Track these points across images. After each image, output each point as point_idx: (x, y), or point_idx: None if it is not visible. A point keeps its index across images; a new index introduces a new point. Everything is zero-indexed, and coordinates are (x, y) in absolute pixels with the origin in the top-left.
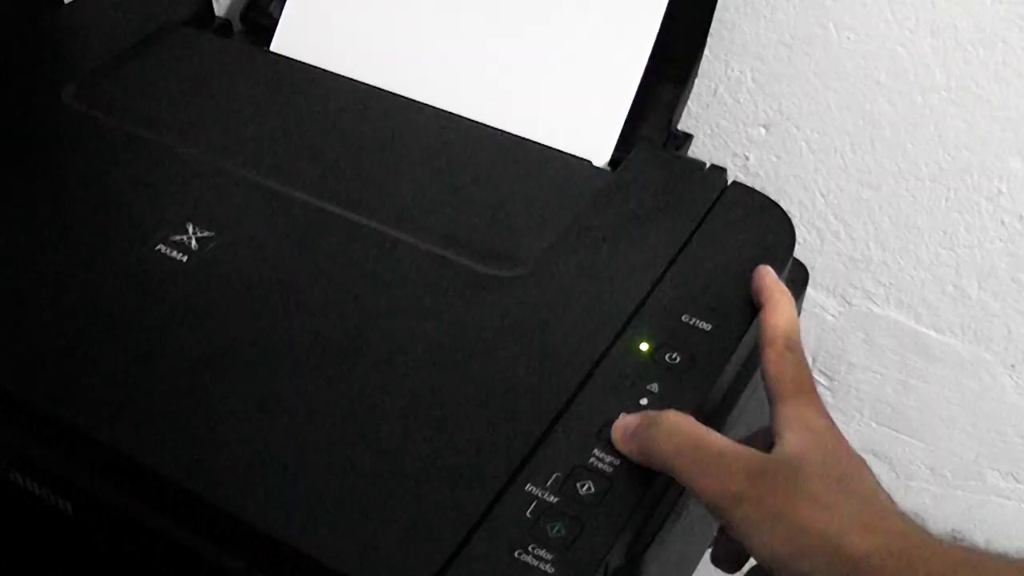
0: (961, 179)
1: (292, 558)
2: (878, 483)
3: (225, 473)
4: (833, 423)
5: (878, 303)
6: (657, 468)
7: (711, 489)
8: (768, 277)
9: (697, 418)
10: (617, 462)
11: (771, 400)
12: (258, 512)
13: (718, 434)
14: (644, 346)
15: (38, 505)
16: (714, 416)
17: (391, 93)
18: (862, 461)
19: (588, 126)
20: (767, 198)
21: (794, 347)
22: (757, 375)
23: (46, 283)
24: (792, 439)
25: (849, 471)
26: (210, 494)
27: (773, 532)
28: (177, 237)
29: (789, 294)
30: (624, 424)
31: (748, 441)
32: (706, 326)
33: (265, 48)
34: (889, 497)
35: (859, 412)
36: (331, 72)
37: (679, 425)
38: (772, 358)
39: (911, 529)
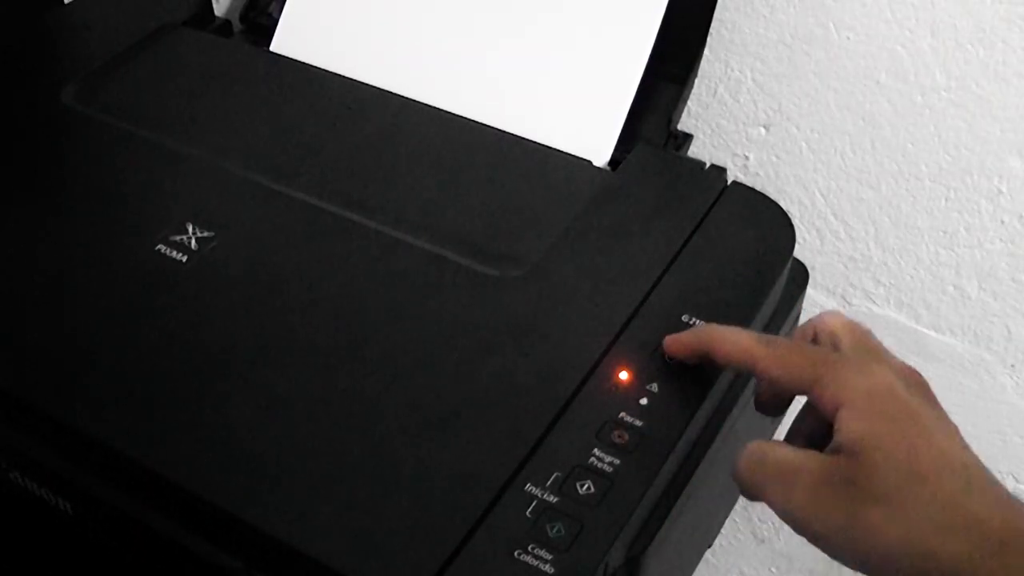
0: (961, 179)
1: (292, 558)
2: (956, 443)
3: (225, 473)
4: (890, 372)
5: (878, 303)
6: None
7: (777, 506)
8: (682, 339)
9: (697, 418)
10: (617, 462)
11: (810, 398)
12: (258, 512)
13: (782, 445)
14: (644, 346)
15: (38, 505)
16: (715, 416)
17: (391, 93)
18: (933, 420)
19: (588, 126)
20: (767, 198)
21: (769, 341)
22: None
23: (46, 283)
24: (846, 423)
25: (919, 448)
26: (210, 494)
27: (851, 545)
28: (177, 237)
29: (707, 327)
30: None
31: (815, 424)
32: None
33: (265, 48)
34: (973, 463)
35: None
36: (331, 72)
37: (748, 445)
38: (764, 368)
39: (996, 516)
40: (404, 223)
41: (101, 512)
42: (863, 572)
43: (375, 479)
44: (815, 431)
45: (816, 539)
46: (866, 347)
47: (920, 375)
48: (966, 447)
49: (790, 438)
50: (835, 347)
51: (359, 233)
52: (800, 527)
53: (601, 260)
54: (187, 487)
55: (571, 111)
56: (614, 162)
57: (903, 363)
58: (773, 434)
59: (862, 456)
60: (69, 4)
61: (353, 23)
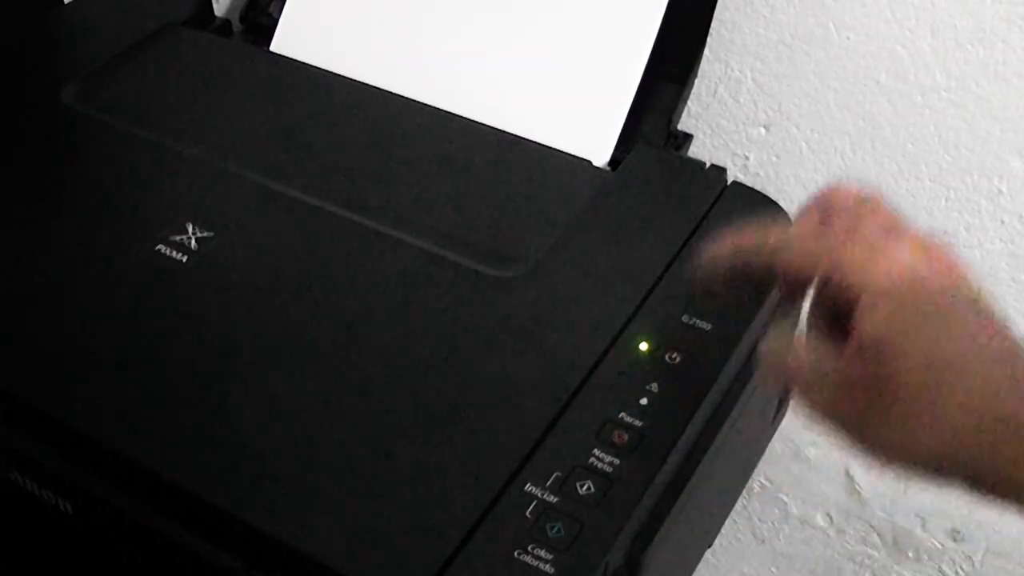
0: (961, 179)
1: (292, 558)
2: (984, 330)
3: (225, 473)
4: (909, 254)
5: None
6: None
7: (805, 410)
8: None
9: (695, 420)
10: (617, 462)
11: (831, 287)
12: (257, 512)
13: (800, 346)
14: (644, 346)
15: (38, 505)
16: (715, 416)
17: (391, 93)
18: (957, 307)
19: (588, 126)
20: (767, 198)
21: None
22: (757, 375)
23: (46, 283)
24: (866, 320)
25: (943, 345)
26: (210, 494)
27: (879, 445)
28: (177, 237)
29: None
30: None
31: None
32: (706, 326)
33: (265, 48)
34: (999, 352)
35: None
36: (331, 72)
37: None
38: (785, 260)
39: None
40: (404, 223)
41: (101, 512)
42: (894, 465)
43: (375, 479)
44: (838, 310)
45: (844, 436)
46: (884, 222)
47: (944, 246)
48: (994, 330)
49: (813, 312)
50: (851, 229)
51: (359, 233)
52: (826, 428)
53: (601, 260)
54: (187, 487)
55: (571, 111)
56: (614, 162)
57: (924, 236)
58: (774, 434)
59: (883, 356)
60: (69, 4)
61: (353, 23)
